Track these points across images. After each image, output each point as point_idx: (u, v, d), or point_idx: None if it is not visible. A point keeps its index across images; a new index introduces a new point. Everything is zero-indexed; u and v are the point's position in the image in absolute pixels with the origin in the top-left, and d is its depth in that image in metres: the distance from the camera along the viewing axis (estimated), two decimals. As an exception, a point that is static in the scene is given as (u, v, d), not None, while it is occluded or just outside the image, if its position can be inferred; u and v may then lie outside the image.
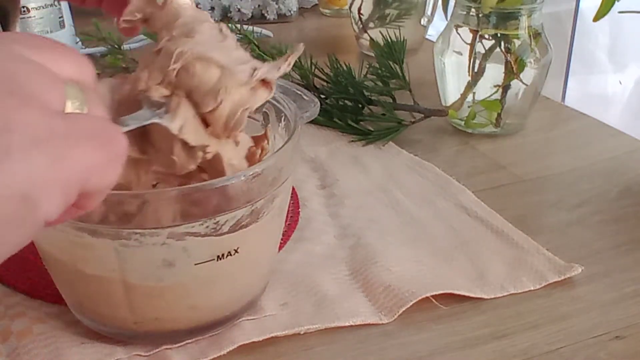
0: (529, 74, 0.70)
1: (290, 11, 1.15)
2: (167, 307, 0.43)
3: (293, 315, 0.47)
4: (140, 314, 0.43)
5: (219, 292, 0.44)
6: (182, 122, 0.38)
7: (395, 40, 0.74)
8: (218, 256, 0.41)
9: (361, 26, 0.97)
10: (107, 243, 0.39)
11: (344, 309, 0.47)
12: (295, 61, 0.76)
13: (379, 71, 0.74)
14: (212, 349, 0.43)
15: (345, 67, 0.76)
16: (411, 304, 0.47)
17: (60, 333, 0.45)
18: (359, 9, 0.97)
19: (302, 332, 0.46)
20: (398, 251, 0.53)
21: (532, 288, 0.50)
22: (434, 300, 0.48)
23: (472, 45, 0.70)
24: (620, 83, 1.45)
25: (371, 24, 0.97)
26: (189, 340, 0.44)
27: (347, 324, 0.46)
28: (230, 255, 0.42)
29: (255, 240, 0.43)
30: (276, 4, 1.14)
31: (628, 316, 0.47)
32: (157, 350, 0.43)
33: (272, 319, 0.46)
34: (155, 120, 0.37)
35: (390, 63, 0.74)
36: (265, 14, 1.14)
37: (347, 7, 1.04)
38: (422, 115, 0.73)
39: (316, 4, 1.22)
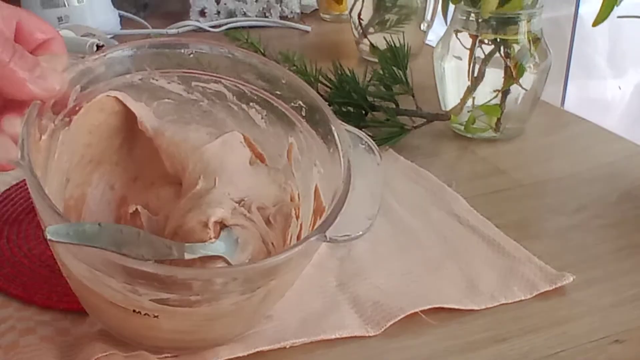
0: (528, 78, 0.70)
1: (292, 12, 1.16)
2: (164, 334, 0.42)
3: (278, 329, 0.46)
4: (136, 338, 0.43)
5: (220, 327, 0.43)
6: None
7: (398, 45, 0.74)
8: None
9: (361, 31, 0.97)
10: None
11: (329, 322, 0.46)
12: (300, 67, 0.76)
13: (383, 77, 0.74)
14: (196, 365, 0.43)
15: (348, 73, 0.75)
16: (399, 318, 0.47)
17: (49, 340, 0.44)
18: (359, 14, 0.97)
19: (287, 347, 0.45)
20: (388, 264, 0.53)
21: (522, 298, 0.49)
22: (423, 315, 0.47)
23: (472, 50, 0.71)
24: (620, 88, 1.45)
25: (371, 29, 0.97)
26: (169, 355, 0.43)
27: (332, 336, 0.45)
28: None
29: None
30: (279, 6, 1.15)
31: (627, 320, 0.47)
32: (136, 352, 0.43)
33: (256, 333, 0.45)
34: None
35: (394, 68, 0.73)
36: (269, 17, 1.15)
37: (347, 12, 1.04)
38: (424, 120, 0.72)
39: (316, 9, 1.22)
